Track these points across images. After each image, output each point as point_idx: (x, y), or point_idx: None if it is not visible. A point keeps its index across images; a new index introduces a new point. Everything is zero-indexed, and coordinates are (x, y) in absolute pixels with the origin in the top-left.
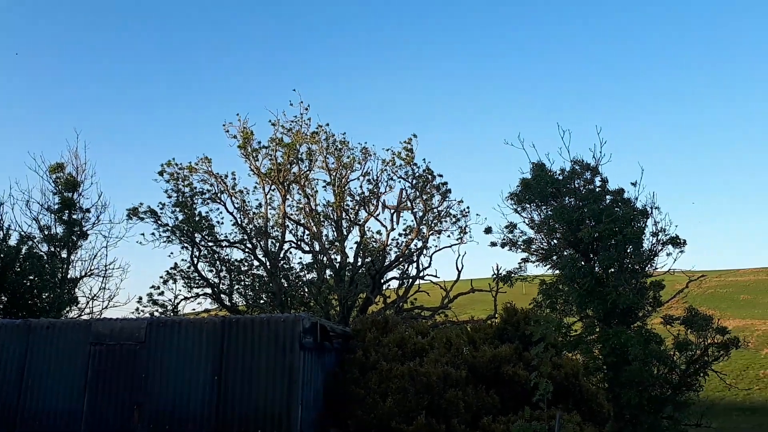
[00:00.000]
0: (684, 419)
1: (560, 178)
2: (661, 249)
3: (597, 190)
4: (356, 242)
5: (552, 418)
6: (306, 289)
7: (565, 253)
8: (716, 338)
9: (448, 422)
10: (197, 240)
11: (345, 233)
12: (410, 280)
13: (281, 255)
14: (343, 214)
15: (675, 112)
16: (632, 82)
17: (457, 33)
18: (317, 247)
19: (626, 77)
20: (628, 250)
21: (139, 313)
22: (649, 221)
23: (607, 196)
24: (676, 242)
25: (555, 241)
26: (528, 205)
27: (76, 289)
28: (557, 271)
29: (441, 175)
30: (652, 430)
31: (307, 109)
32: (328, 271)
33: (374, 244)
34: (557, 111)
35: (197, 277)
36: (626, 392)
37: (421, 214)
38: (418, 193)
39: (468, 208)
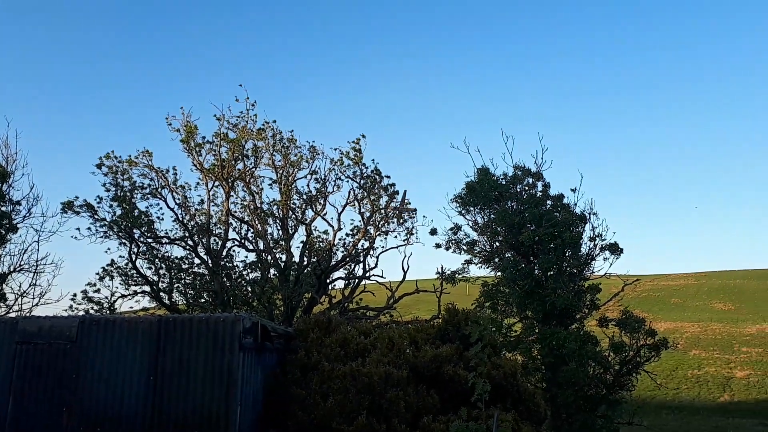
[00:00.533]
0: (616, 417)
1: (503, 182)
2: (598, 254)
3: (538, 195)
4: (302, 241)
5: (490, 417)
6: (249, 289)
7: (507, 256)
8: (648, 340)
9: (389, 422)
10: (136, 236)
11: (291, 232)
12: (356, 281)
13: (224, 253)
14: (290, 212)
15: (617, 121)
16: (576, 89)
17: (407, 35)
18: (262, 246)
19: (570, 84)
20: (567, 254)
21: (72, 311)
22: (587, 226)
23: (548, 201)
24: (613, 248)
25: (497, 243)
26: (472, 208)
27: (4, 286)
28: (499, 273)
29: (389, 176)
30: (586, 428)
31: (253, 105)
32: (272, 270)
33: (321, 243)
34: (503, 116)
35: (135, 275)
36: (563, 392)
37: (368, 214)
38: (366, 194)
39: (415, 210)
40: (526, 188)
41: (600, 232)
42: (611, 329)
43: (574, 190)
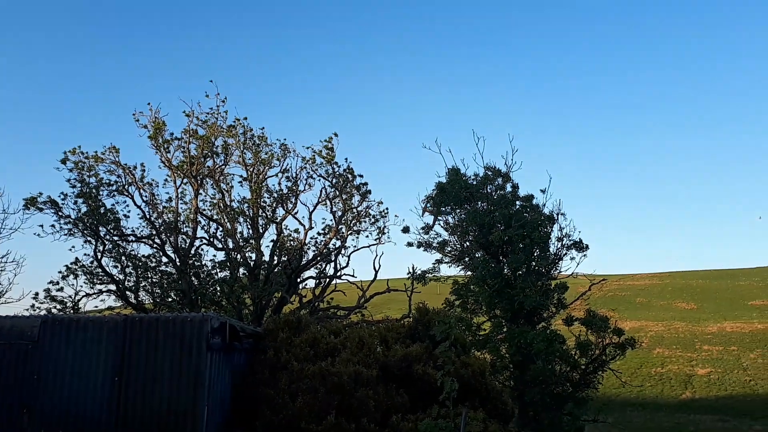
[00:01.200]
0: (582, 415)
1: (474, 183)
2: (566, 253)
3: (508, 195)
4: (273, 240)
5: (458, 415)
6: (218, 288)
7: (477, 255)
8: (613, 339)
9: (358, 421)
10: (102, 234)
11: (261, 231)
12: (327, 280)
13: (192, 252)
14: (260, 211)
15: (586, 124)
16: (548, 91)
17: (380, 35)
18: (231, 245)
19: (543, 86)
20: (536, 254)
21: (34, 311)
22: (555, 227)
23: (518, 202)
24: (580, 246)
25: (468, 243)
26: (444, 208)
27: None
28: (469, 272)
29: (361, 176)
30: (553, 426)
31: (223, 101)
32: (242, 270)
33: (291, 242)
34: (475, 116)
35: (100, 273)
36: (530, 390)
37: (340, 213)
38: (337, 193)
39: (387, 209)
40: (497, 189)
41: (567, 232)
42: (578, 328)
43: (543, 191)
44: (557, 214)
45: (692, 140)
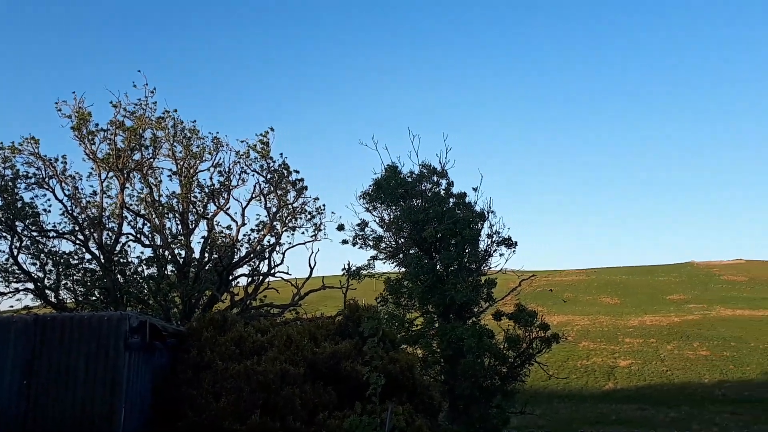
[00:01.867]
0: (509, 407)
1: (409, 180)
2: (495, 249)
3: (442, 193)
4: (203, 237)
5: (385, 411)
6: (145, 286)
7: (411, 252)
8: (540, 333)
9: (284, 420)
10: (19, 229)
11: (191, 227)
12: (261, 278)
13: (118, 248)
14: (190, 206)
15: (517, 124)
16: (481, 90)
17: (316, 30)
18: (159, 241)
19: (476, 85)
20: (467, 250)
21: None
22: (486, 224)
23: (451, 199)
24: (509, 243)
25: (402, 239)
26: (379, 205)
27: None
28: (403, 269)
29: (297, 171)
30: (482, 419)
31: (152, 92)
32: (170, 267)
33: (223, 239)
34: (411, 114)
35: (17, 271)
36: (461, 384)
37: (275, 209)
38: (272, 188)
39: (324, 205)
40: (431, 186)
41: (497, 229)
42: (507, 322)
43: (475, 189)
44: (488, 212)
45: (618, 138)
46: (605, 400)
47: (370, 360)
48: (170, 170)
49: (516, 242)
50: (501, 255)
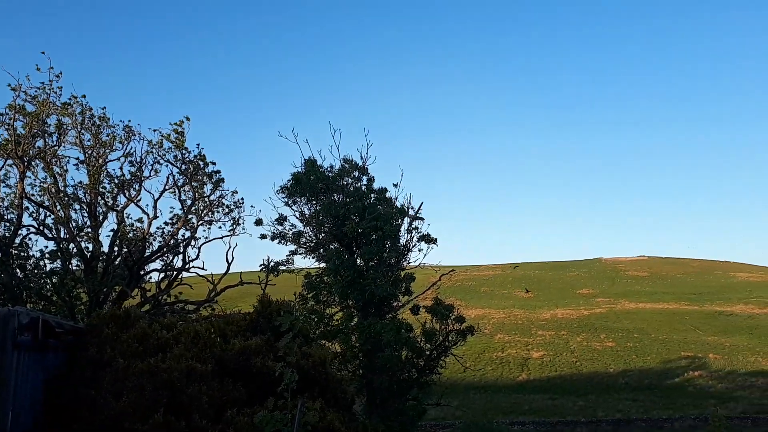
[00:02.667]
0: (426, 400)
1: (330, 174)
2: (415, 245)
3: (363, 188)
4: (113, 230)
5: (296, 406)
6: (48, 281)
7: (331, 247)
8: (455, 326)
9: (189, 418)
10: None
11: (100, 219)
12: (174, 273)
13: (17, 241)
14: (99, 197)
15: (436, 121)
16: (400, 86)
17: (235, 17)
18: (63, 233)
19: (394, 80)
20: (387, 245)
21: None
22: (406, 219)
23: (372, 195)
24: (429, 239)
25: (322, 234)
26: (299, 199)
27: None
28: (323, 264)
29: (214, 163)
30: (399, 412)
31: (58, 76)
32: (75, 261)
33: (134, 232)
34: (332, 109)
35: None
36: (378, 377)
37: (190, 202)
38: (187, 180)
39: (242, 199)
40: (352, 181)
41: (417, 225)
42: (424, 316)
43: (395, 185)
44: (408, 208)
45: (532, 139)
46: (519, 391)
47: (283, 356)
48: (77, 159)
49: (435, 239)
50: (420, 250)
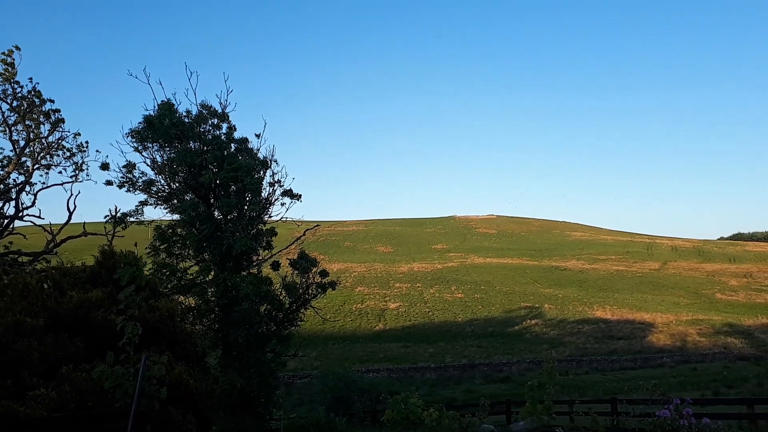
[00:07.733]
0: (285, 351)
1: (187, 120)
2: (278, 199)
3: (223, 137)
4: None
5: (140, 360)
6: None
7: (186, 198)
8: (317, 279)
9: (18, 376)
10: None
11: None
12: (5, 221)
13: None
14: None
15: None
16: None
17: None
18: None
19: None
20: (248, 198)
21: None
22: (269, 172)
23: (232, 145)
24: (293, 195)
25: (177, 184)
26: (151, 145)
27: None
28: (177, 216)
29: (53, 101)
30: (258, 364)
31: None
32: None
33: None
34: (187, 51)
35: None
36: (234, 331)
37: (23, 143)
38: (20, 117)
39: (87, 142)
40: (210, 129)
41: (280, 178)
42: (285, 270)
43: (258, 136)
44: (271, 160)
45: (397, 100)
46: (376, 340)
47: (125, 309)
48: None
49: (299, 195)
50: (282, 204)
